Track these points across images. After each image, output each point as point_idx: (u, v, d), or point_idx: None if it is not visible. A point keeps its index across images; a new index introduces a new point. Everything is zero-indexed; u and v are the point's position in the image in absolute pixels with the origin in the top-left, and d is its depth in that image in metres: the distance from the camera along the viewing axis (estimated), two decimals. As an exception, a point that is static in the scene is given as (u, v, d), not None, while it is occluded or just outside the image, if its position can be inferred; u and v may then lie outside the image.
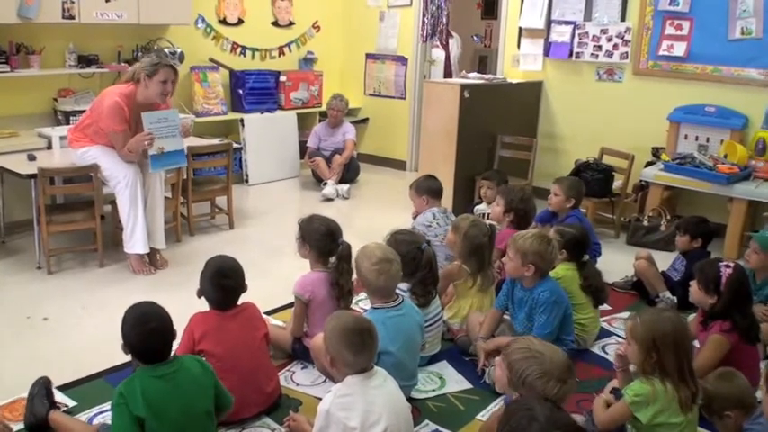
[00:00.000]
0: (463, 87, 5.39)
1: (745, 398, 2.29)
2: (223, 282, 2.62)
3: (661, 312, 2.46)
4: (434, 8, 6.56)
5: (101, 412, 2.64)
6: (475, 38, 9.37)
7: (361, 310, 3.26)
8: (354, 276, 2.93)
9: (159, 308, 2.25)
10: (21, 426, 2.53)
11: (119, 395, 2.11)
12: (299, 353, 3.10)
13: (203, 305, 2.68)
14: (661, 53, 5.40)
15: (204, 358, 2.45)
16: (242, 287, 2.67)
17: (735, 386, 2.35)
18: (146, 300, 2.29)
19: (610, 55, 5.66)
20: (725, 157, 4.93)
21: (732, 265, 2.81)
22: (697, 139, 5.20)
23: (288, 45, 7.08)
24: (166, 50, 5.68)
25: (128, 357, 2.84)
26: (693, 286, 2.87)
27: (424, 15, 6.65)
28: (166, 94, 4.08)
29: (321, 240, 3.06)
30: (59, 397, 2.68)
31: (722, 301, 2.75)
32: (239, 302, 2.70)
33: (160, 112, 4.12)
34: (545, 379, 2.02)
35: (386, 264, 2.68)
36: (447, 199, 4.92)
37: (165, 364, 2.18)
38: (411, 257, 3.00)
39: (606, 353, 3.30)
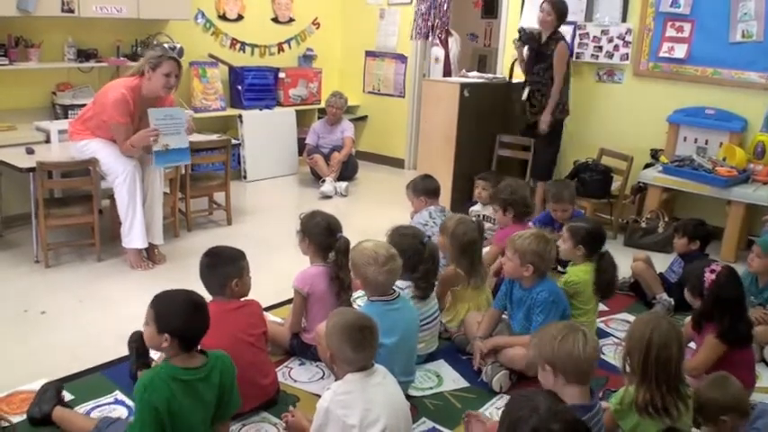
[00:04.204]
0: (463, 86, 5.39)
1: (739, 404, 2.27)
2: (212, 261, 2.64)
3: (653, 317, 2.36)
4: (427, 6, 6.52)
5: (98, 406, 2.64)
6: (469, 36, 9.30)
7: (359, 307, 3.25)
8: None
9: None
10: (17, 419, 2.52)
11: (142, 389, 2.04)
12: (296, 349, 3.10)
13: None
14: (661, 55, 5.40)
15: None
16: (227, 268, 2.64)
17: (728, 393, 2.31)
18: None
19: (610, 56, 5.66)
20: (724, 159, 4.94)
21: (718, 269, 2.77)
22: (696, 141, 5.21)
23: (287, 41, 7.07)
24: (166, 45, 5.66)
25: (124, 351, 2.87)
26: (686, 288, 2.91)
27: (415, 16, 6.62)
28: (170, 87, 4.06)
29: (321, 235, 3.06)
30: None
31: (703, 304, 2.76)
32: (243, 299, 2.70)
33: (166, 109, 4.12)
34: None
35: (393, 262, 2.68)
36: (445, 198, 4.91)
37: (193, 370, 2.12)
38: (414, 251, 3.00)
39: (603, 354, 3.30)
